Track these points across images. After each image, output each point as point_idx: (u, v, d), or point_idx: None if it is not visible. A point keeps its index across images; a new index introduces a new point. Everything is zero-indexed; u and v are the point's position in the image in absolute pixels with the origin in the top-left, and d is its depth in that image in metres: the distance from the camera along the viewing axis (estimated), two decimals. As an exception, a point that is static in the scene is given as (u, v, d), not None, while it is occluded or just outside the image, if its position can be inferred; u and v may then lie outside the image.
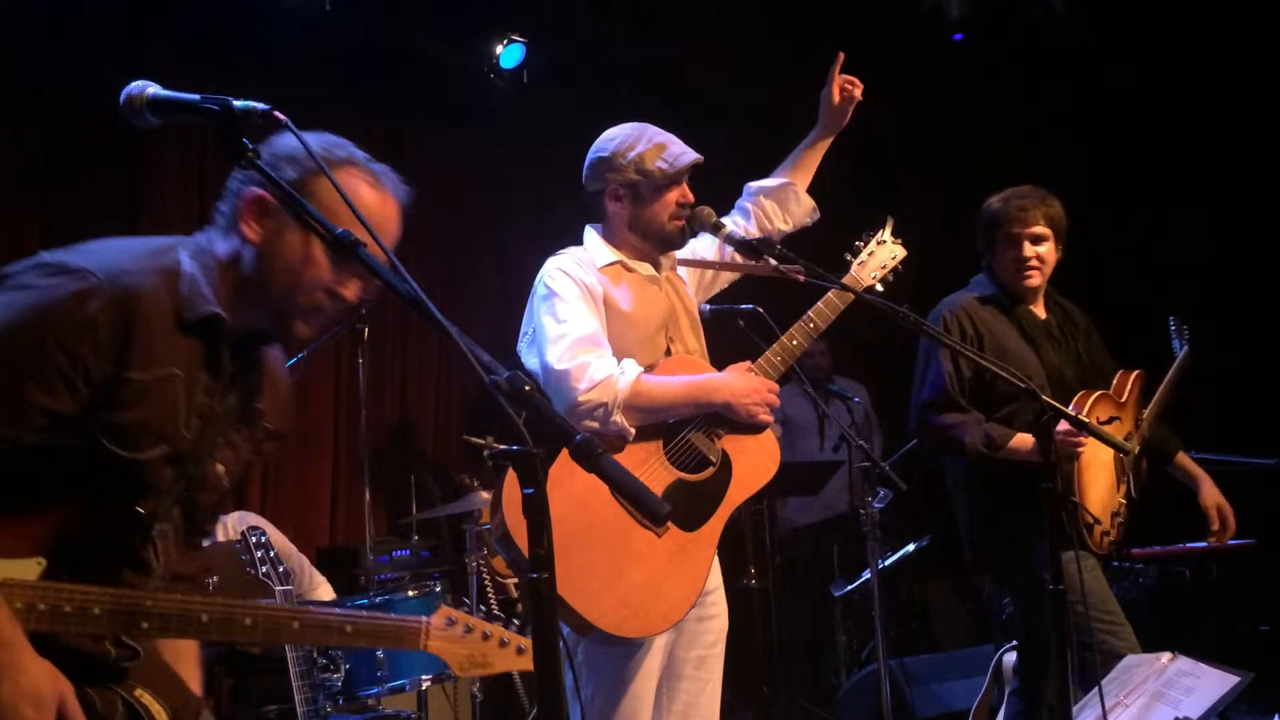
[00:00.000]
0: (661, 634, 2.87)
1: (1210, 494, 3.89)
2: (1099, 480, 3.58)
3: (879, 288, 3.35)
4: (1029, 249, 3.71)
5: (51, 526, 1.78)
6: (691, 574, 2.86)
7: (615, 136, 3.11)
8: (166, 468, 1.87)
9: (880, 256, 3.36)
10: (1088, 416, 3.44)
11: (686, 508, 2.88)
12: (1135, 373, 3.79)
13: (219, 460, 1.98)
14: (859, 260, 3.34)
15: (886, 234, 3.41)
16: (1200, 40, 6.45)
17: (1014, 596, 3.77)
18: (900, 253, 3.40)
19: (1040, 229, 3.71)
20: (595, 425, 2.82)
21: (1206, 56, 6.52)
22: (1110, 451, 3.56)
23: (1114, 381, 3.74)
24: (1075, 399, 3.55)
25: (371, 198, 1.93)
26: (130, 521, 1.85)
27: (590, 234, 3.15)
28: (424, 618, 2.03)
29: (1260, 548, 5.42)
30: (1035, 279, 3.75)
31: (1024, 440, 3.46)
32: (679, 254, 3.23)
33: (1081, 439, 3.38)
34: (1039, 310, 3.81)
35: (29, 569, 1.75)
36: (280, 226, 1.89)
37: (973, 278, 3.87)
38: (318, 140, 1.93)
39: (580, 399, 2.81)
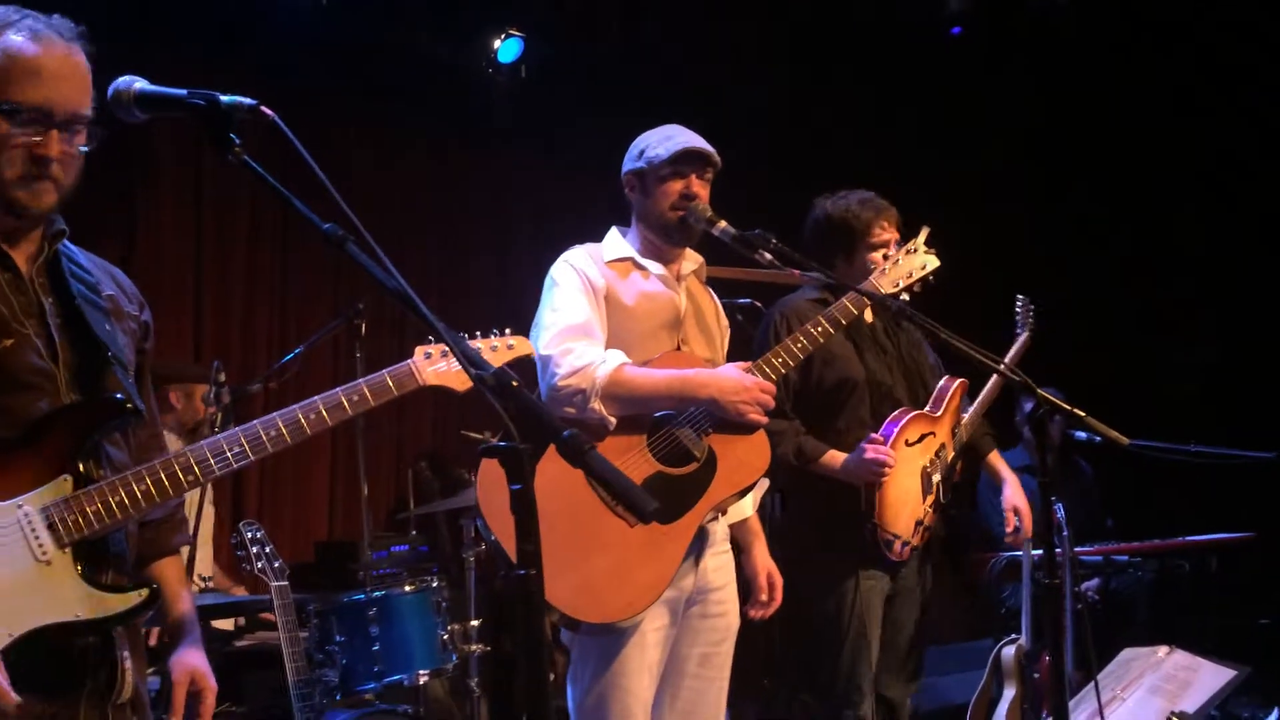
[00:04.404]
0: (629, 621, 2.82)
1: (1011, 495, 3.83)
2: (905, 492, 3.45)
3: (904, 296, 3.26)
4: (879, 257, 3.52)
5: (51, 446, 1.87)
6: (660, 565, 2.86)
7: (644, 134, 3.21)
8: (31, 358, 1.90)
9: (906, 265, 3.27)
10: (901, 438, 3.39)
11: (664, 500, 2.85)
12: (959, 382, 3.63)
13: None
14: (881, 269, 3.28)
15: (919, 243, 3.30)
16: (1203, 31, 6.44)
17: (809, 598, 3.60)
18: (933, 263, 3.29)
19: (892, 234, 3.58)
20: (573, 411, 2.86)
21: (1207, 49, 6.51)
22: (918, 462, 3.47)
23: (934, 392, 3.61)
24: (892, 417, 3.46)
25: (28, 49, 1.92)
26: (111, 412, 1.95)
27: (611, 230, 3.21)
28: (408, 360, 2.22)
29: (1259, 541, 5.42)
30: None
31: (834, 459, 3.40)
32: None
33: (888, 467, 3.30)
34: (866, 314, 3.58)
35: (63, 487, 1.87)
36: None
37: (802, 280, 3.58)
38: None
39: (559, 384, 2.87)
